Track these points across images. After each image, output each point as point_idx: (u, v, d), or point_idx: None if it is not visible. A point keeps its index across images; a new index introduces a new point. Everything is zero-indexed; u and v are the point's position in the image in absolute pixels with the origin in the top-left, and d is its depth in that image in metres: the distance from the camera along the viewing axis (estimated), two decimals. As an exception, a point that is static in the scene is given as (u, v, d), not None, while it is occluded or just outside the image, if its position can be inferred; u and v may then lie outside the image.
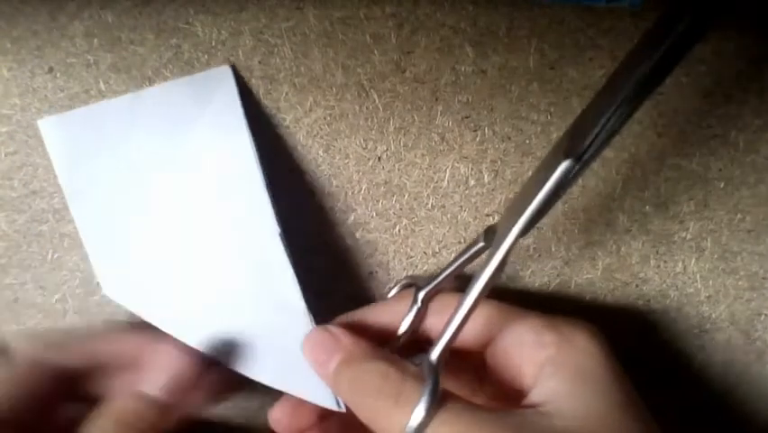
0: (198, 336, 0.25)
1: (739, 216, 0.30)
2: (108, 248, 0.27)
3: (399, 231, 0.30)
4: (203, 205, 0.26)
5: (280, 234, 0.26)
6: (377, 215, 0.30)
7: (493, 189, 0.30)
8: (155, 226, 0.27)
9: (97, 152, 0.26)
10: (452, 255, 0.30)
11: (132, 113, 0.26)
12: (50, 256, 0.29)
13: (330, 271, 0.30)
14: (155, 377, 0.23)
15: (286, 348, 0.25)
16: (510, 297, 0.31)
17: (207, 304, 0.26)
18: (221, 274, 0.26)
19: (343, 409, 0.25)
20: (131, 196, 0.26)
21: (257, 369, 0.26)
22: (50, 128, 0.26)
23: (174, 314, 0.26)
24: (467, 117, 0.28)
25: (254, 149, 0.26)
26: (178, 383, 0.24)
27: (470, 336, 0.24)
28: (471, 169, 0.29)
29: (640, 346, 0.32)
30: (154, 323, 0.26)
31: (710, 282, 0.31)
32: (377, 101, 0.28)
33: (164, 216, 0.27)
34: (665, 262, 0.31)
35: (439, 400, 0.20)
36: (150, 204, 0.27)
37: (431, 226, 0.30)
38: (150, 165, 0.26)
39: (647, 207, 0.30)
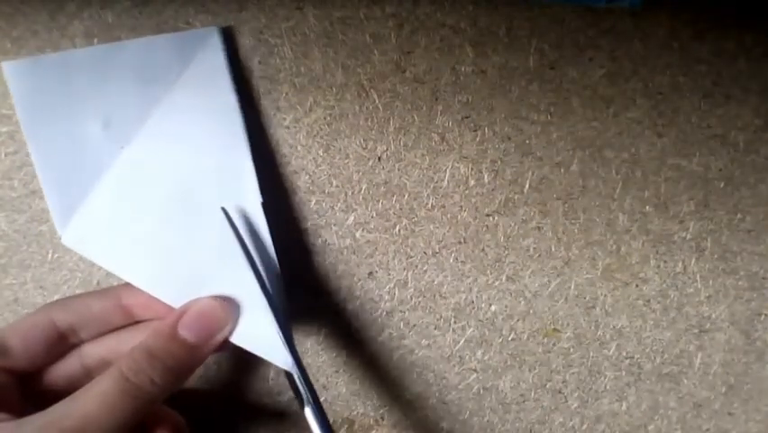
0: (160, 287, 0.25)
1: (739, 216, 0.30)
2: (69, 198, 0.26)
3: (399, 231, 0.30)
4: (178, 160, 0.26)
5: (262, 204, 0.26)
6: (377, 215, 0.30)
7: (493, 189, 0.30)
8: (122, 178, 0.26)
9: (65, 101, 0.25)
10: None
11: (107, 64, 0.25)
12: (50, 256, 0.29)
13: (330, 272, 0.30)
14: (187, 319, 0.24)
15: (246, 306, 0.25)
16: (510, 296, 0.31)
17: (175, 258, 0.26)
18: (191, 229, 0.26)
19: (294, 371, 0.24)
20: (99, 147, 0.26)
21: None
22: (15, 71, 0.25)
23: (136, 264, 0.26)
24: (467, 117, 0.28)
25: (241, 113, 0.26)
26: (208, 326, 0.24)
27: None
28: (471, 169, 0.29)
29: (640, 346, 0.32)
30: (115, 273, 0.26)
31: (710, 282, 0.31)
32: (377, 101, 0.28)
33: (133, 169, 0.26)
34: (665, 262, 0.31)
35: None
36: (120, 156, 0.26)
37: (431, 226, 0.30)
38: (121, 120, 0.26)
39: (647, 207, 0.30)
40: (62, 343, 0.25)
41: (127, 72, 0.26)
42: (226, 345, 0.25)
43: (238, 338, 0.25)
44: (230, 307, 0.25)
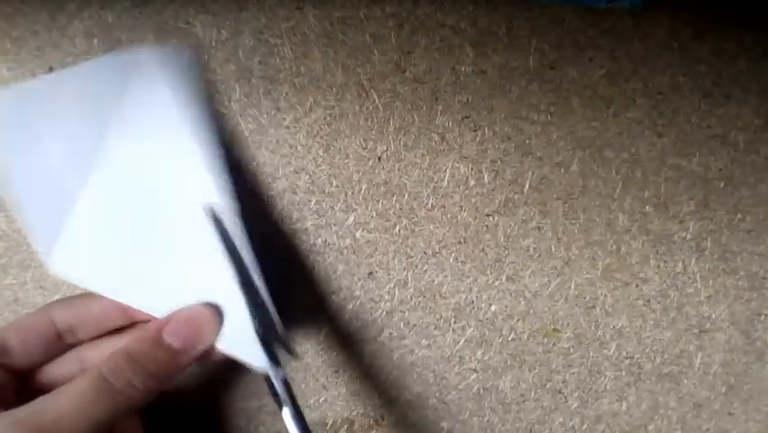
0: (145, 301, 0.25)
1: (739, 216, 0.30)
2: (47, 228, 0.26)
3: (399, 231, 0.30)
4: (143, 175, 0.26)
5: (238, 214, 0.26)
6: (377, 215, 0.30)
7: (493, 189, 0.30)
8: (94, 202, 0.26)
9: (26, 133, 0.26)
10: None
11: (55, 92, 0.25)
12: (50, 256, 0.29)
13: (330, 272, 0.30)
14: (173, 326, 0.24)
15: (224, 307, 0.25)
16: (510, 296, 0.31)
17: (155, 270, 0.26)
18: (167, 239, 0.26)
19: (271, 372, 0.24)
20: (66, 174, 0.26)
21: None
22: None
23: (120, 282, 0.26)
24: (467, 117, 0.28)
25: (183, 117, 0.25)
26: (193, 332, 0.24)
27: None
28: (471, 169, 0.29)
29: (639, 346, 0.32)
30: (102, 293, 0.26)
31: (710, 282, 0.31)
32: (377, 101, 0.28)
33: (103, 190, 0.26)
34: (665, 262, 0.31)
35: None
36: (88, 180, 0.26)
37: (431, 226, 0.30)
38: (81, 144, 0.26)
39: (647, 207, 0.30)
40: (60, 342, 0.25)
41: (74, 98, 0.26)
42: (211, 353, 0.25)
43: (224, 345, 0.25)
44: (216, 314, 0.25)
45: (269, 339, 0.25)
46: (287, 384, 0.25)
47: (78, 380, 0.22)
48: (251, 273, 0.26)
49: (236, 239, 0.26)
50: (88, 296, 0.26)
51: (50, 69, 0.27)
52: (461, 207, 0.30)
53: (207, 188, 0.26)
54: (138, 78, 0.26)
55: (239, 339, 0.25)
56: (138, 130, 0.26)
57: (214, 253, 0.25)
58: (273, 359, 0.24)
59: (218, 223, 0.26)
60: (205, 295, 0.25)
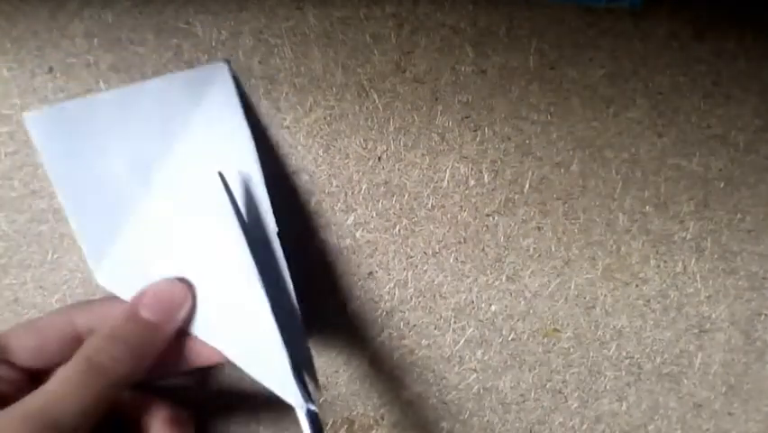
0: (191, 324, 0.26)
1: (739, 216, 0.30)
2: (100, 239, 0.27)
3: (399, 231, 0.30)
4: (198, 200, 0.26)
5: (278, 233, 0.26)
6: (377, 215, 0.30)
7: (493, 189, 0.30)
8: (150, 217, 0.27)
9: (88, 146, 0.26)
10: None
11: (125, 107, 0.26)
12: (50, 256, 0.29)
13: (330, 271, 0.30)
14: (146, 300, 0.25)
15: (262, 338, 0.25)
16: (510, 296, 0.31)
17: (200, 292, 0.26)
18: (213, 269, 0.26)
19: (304, 408, 0.24)
20: (125, 188, 0.26)
21: (234, 351, 0.26)
22: (36, 123, 0.26)
23: None
24: (467, 117, 0.28)
25: (254, 145, 0.26)
26: (167, 304, 0.25)
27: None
28: (471, 169, 0.29)
29: (639, 346, 0.32)
30: None
31: (710, 282, 0.31)
32: (377, 101, 0.28)
33: (158, 209, 0.27)
34: (665, 262, 0.31)
35: None
36: (145, 197, 0.27)
37: (431, 226, 0.30)
38: (144, 160, 0.26)
39: (647, 207, 0.30)
40: (78, 344, 0.25)
41: (144, 113, 0.26)
42: (216, 356, 0.25)
43: (253, 372, 0.25)
44: (187, 286, 0.26)
45: (302, 373, 0.26)
46: (315, 419, 0.25)
47: (65, 366, 0.22)
48: (293, 305, 0.27)
49: (278, 270, 0.27)
50: (109, 299, 0.26)
51: (50, 70, 0.27)
52: (461, 207, 0.30)
53: (258, 214, 0.26)
54: (201, 95, 0.26)
55: (272, 369, 0.25)
56: (198, 147, 0.27)
57: (255, 283, 0.25)
58: (304, 393, 0.25)
59: (264, 252, 0.26)
60: (242, 324, 0.26)
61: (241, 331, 0.25)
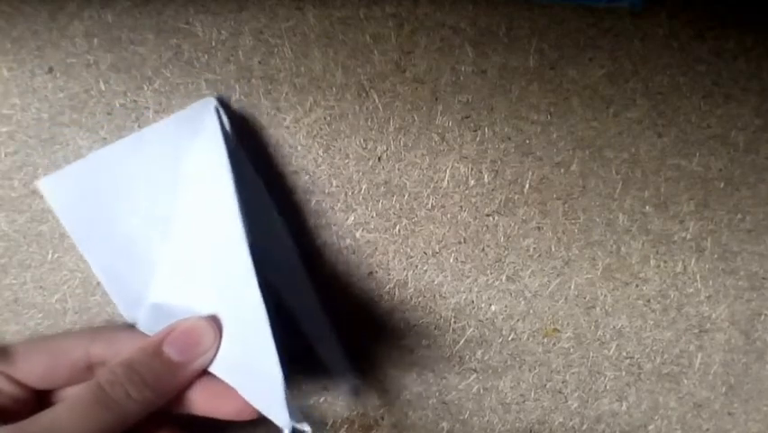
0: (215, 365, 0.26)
1: (739, 216, 0.30)
2: (131, 293, 0.27)
3: (399, 231, 0.30)
4: (211, 236, 0.26)
5: (259, 284, 0.25)
6: (377, 215, 0.30)
7: (493, 189, 0.30)
8: (172, 264, 0.27)
9: (102, 203, 0.26)
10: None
11: (127, 158, 0.26)
12: (50, 256, 0.29)
13: (330, 271, 0.30)
14: (173, 337, 0.24)
15: (252, 357, 0.25)
16: (510, 296, 0.31)
17: (225, 334, 0.26)
18: (222, 297, 0.26)
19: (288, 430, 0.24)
20: (144, 238, 0.27)
21: (227, 371, 0.25)
22: (52, 188, 0.26)
23: None
24: (467, 117, 0.28)
25: (234, 189, 0.25)
26: (193, 345, 0.24)
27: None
28: (471, 169, 0.29)
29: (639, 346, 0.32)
30: None
31: (710, 282, 0.31)
32: (377, 101, 0.28)
33: (179, 253, 0.27)
34: (665, 262, 0.31)
35: None
36: (165, 243, 0.27)
37: (431, 226, 0.30)
38: (155, 207, 0.27)
39: (647, 207, 0.30)
40: (90, 372, 0.25)
41: (146, 161, 0.26)
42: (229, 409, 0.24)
43: (246, 393, 0.25)
44: (215, 328, 0.25)
45: (294, 400, 0.25)
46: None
47: (78, 391, 0.22)
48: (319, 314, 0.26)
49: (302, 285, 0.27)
50: (130, 330, 0.26)
51: (50, 70, 0.27)
52: (461, 207, 0.30)
53: (239, 265, 0.25)
54: (192, 135, 0.26)
55: (267, 395, 0.24)
56: (195, 188, 0.26)
57: (258, 305, 0.24)
58: (296, 419, 0.24)
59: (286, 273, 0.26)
60: (241, 346, 0.25)
61: (238, 354, 0.25)
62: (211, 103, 0.26)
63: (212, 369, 0.25)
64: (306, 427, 0.24)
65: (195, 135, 0.26)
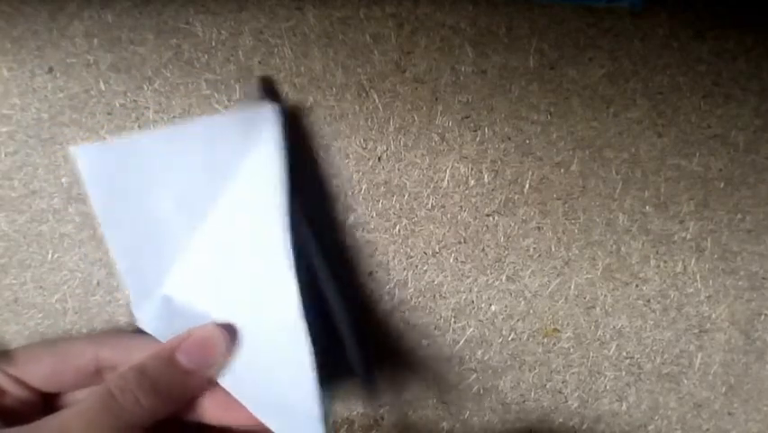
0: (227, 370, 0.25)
1: (739, 216, 0.30)
2: (145, 279, 0.26)
3: (399, 231, 0.30)
4: (247, 239, 0.26)
5: (301, 305, 0.25)
6: (377, 215, 0.30)
7: (493, 189, 0.30)
8: (196, 263, 0.26)
9: (136, 185, 0.25)
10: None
11: (176, 146, 0.25)
12: (50, 256, 0.29)
13: (330, 271, 0.30)
14: (187, 344, 0.23)
15: (299, 401, 0.24)
16: (510, 296, 0.31)
17: (244, 340, 0.26)
18: (258, 318, 0.25)
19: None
20: (173, 228, 0.26)
21: (253, 400, 0.25)
22: (86, 156, 0.25)
23: None
24: (467, 117, 0.28)
25: (285, 204, 0.25)
26: (206, 354, 0.24)
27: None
28: (471, 169, 0.29)
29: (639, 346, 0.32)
30: None
31: (710, 282, 0.31)
32: (377, 101, 0.28)
33: (206, 249, 0.26)
34: (665, 262, 0.31)
35: None
36: (192, 239, 0.26)
37: (431, 226, 0.30)
38: (191, 202, 0.26)
39: (647, 207, 0.30)
40: (98, 377, 0.25)
41: (195, 153, 0.25)
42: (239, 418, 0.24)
43: (267, 417, 0.24)
44: (229, 337, 0.24)
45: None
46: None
47: (87, 396, 0.22)
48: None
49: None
50: (140, 336, 0.25)
51: (50, 70, 0.27)
52: (461, 207, 0.30)
53: (281, 280, 0.25)
54: (249, 138, 0.25)
55: (289, 417, 0.24)
56: (241, 192, 0.26)
57: (299, 335, 0.24)
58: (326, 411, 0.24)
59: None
60: (280, 378, 0.24)
61: (275, 388, 0.24)
62: (272, 112, 0.25)
63: (234, 393, 0.24)
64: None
65: (251, 139, 0.25)
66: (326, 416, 0.24)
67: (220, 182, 0.26)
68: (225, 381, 0.24)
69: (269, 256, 0.25)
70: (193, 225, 0.26)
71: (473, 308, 0.31)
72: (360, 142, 0.29)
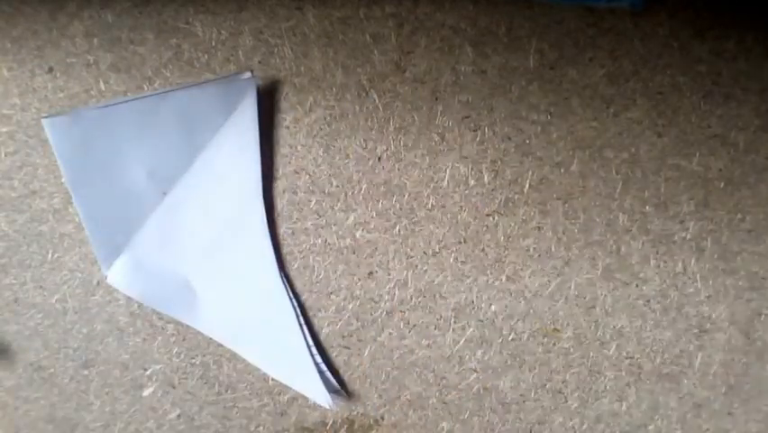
0: (201, 321, 0.26)
1: (739, 216, 0.30)
2: (112, 241, 0.27)
3: (399, 231, 0.30)
4: (217, 202, 0.27)
5: (276, 261, 0.27)
6: (377, 215, 0.30)
7: (493, 189, 0.30)
8: (165, 221, 0.27)
9: (106, 152, 0.26)
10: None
11: (149, 115, 0.26)
12: (50, 256, 0.29)
13: (330, 272, 0.30)
14: None
15: (281, 339, 0.26)
16: (510, 296, 0.31)
17: (215, 294, 0.27)
18: (229, 266, 0.27)
19: (333, 407, 0.25)
20: (143, 193, 0.27)
21: (254, 354, 0.27)
22: (55, 126, 0.26)
23: (174, 300, 0.27)
24: (467, 117, 0.28)
25: (260, 168, 0.27)
26: None
27: None
28: (471, 169, 0.29)
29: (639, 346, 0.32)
30: (155, 308, 0.27)
31: (710, 282, 0.31)
32: (377, 101, 0.28)
33: (175, 212, 0.27)
34: (665, 262, 0.31)
35: None
36: (163, 201, 0.27)
37: (431, 226, 0.30)
38: (163, 167, 0.27)
39: (647, 207, 0.30)
40: None
41: (170, 122, 0.26)
42: None
43: (280, 376, 0.26)
44: None
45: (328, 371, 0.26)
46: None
47: None
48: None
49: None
50: None
51: (50, 70, 0.27)
52: (461, 207, 0.30)
53: (258, 237, 0.27)
54: (225, 109, 0.27)
55: (299, 372, 0.26)
56: (222, 160, 0.27)
57: (276, 281, 0.25)
58: (332, 391, 0.25)
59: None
60: (263, 322, 0.26)
61: (267, 338, 0.26)
62: (251, 81, 0.26)
63: (246, 357, 0.26)
64: (342, 392, 0.25)
65: (231, 108, 0.26)
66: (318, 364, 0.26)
67: (196, 148, 0.27)
68: (228, 342, 0.26)
69: (246, 217, 0.26)
70: (163, 190, 0.27)
71: (473, 308, 0.31)
72: (360, 142, 0.29)
